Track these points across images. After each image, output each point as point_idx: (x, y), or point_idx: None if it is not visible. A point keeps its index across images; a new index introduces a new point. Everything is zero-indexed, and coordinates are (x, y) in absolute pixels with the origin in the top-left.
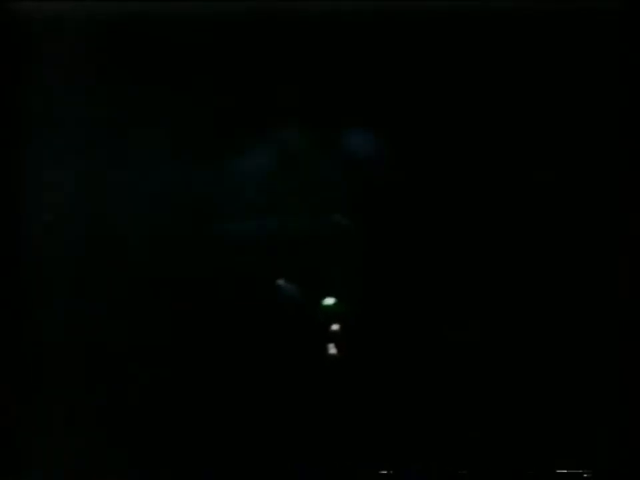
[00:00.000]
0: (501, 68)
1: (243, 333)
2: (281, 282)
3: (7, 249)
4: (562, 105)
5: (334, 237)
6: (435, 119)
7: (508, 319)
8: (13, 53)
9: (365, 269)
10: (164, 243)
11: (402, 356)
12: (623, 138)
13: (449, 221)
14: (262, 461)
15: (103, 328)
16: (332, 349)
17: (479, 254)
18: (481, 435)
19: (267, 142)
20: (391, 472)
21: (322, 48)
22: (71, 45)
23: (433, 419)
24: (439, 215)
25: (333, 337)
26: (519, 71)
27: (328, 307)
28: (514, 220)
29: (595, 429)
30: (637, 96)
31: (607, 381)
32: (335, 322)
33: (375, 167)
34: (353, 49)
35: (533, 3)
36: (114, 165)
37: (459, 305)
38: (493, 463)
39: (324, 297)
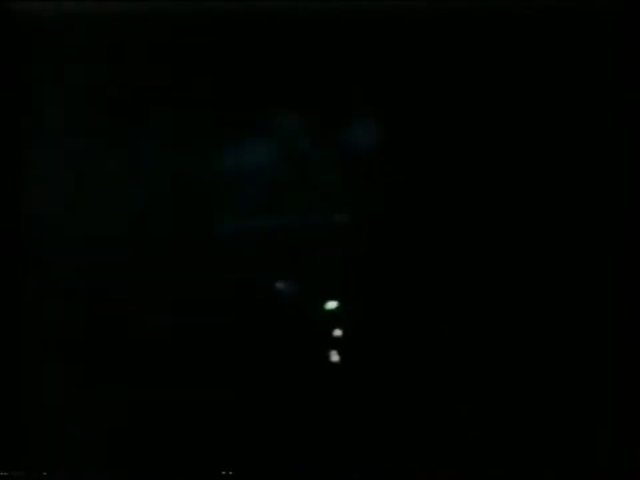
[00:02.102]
0: (500, 67)
1: (241, 338)
2: (280, 285)
3: (7, 249)
4: (561, 104)
5: (336, 238)
6: (436, 117)
7: (512, 322)
8: (13, 52)
9: (369, 271)
10: (158, 244)
11: (407, 362)
12: (623, 138)
13: (457, 223)
14: (261, 465)
15: (100, 330)
16: (334, 356)
17: (485, 256)
18: (482, 436)
19: (266, 137)
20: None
21: (325, 44)
22: (71, 45)
23: (437, 430)
24: (447, 216)
25: (336, 343)
26: (518, 70)
27: (330, 311)
28: (519, 221)
29: (595, 428)
30: (637, 96)
31: (606, 381)
32: (337, 327)
33: (379, 164)
34: (355, 44)
35: (532, 3)
36: (112, 163)
37: (464, 308)
38: (494, 463)
39: (326, 301)
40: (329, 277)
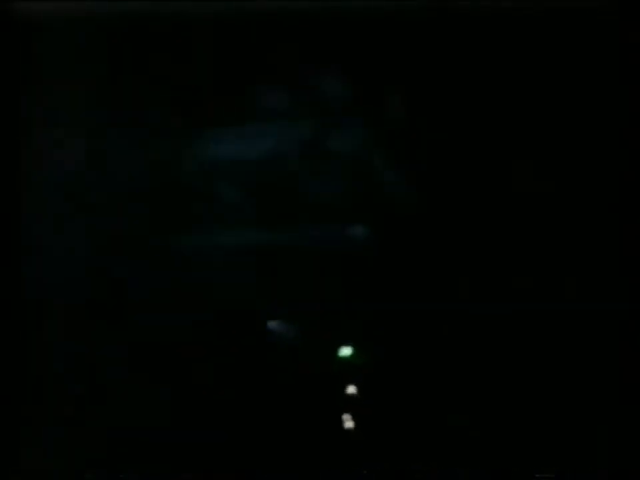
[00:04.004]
0: (500, 67)
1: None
2: (275, 324)
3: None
4: (561, 105)
5: (350, 256)
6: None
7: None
8: (13, 52)
9: (391, 301)
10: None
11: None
12: (623, 138)
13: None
14: None
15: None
16: (348, 422)
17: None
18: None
19: (260, 132)
20: None
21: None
22: (71, 45)
23: None
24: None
25: (350, 403)
26: (518, 70)
27: (343, 359)
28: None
29: (596, 429)
30: (637, 96)
31: (609, 383)
32: (352, 382)
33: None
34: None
35: (532, 3)
36: (105, 163)
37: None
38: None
39: (338, 346)
40: (343, 314)
